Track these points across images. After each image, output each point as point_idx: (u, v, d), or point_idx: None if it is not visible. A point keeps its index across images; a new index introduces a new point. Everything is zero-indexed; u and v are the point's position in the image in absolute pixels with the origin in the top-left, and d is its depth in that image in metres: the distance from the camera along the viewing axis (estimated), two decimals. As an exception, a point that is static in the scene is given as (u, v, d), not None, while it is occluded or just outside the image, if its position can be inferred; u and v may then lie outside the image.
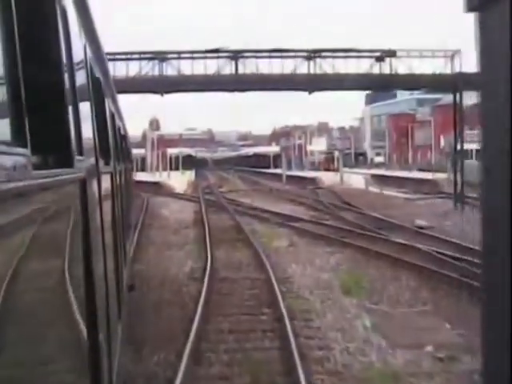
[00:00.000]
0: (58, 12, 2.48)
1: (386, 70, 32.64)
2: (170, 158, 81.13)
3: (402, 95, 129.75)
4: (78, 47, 3.26)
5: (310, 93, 32.75)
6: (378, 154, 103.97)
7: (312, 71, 32.13)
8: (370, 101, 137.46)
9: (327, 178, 65.98)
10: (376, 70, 32.77)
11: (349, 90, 35.60)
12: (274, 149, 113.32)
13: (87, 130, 3.25)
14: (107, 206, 4.83)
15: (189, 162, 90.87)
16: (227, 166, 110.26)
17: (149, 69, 32.25)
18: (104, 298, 3.60)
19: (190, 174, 76.13)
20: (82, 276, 2.76)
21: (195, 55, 31.83)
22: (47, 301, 2.05)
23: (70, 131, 2.49)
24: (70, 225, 2.55)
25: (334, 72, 31.92)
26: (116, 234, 5.92)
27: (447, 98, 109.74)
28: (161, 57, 31.35)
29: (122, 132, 12.66)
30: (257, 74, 31.40)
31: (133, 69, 31.78)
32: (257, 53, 31.69)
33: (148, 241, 24.99)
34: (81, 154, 2.77)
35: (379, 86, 34.04)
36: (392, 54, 32.31)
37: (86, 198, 2.90)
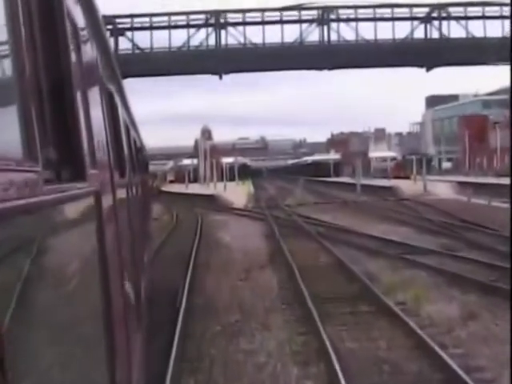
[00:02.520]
0: (68, 22, 2.39)
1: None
2: (225, 168, 70.52)
3: (465, 98, 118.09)
4: (90, 58, 3.22)
5: (428, 69, 21.89)
6: (449, 160, 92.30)
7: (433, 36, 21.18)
8: (430, 104, 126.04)
9: (405, 186, 54.85)
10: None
11: (488, 64, 24.14)
12: (333, 156, 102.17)
13: (100, 143, 3.13)
14: (123, 218, 4.43)
15: (243, 172, 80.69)
16: (284, 176, 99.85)
17: (201, 38, 21.67)
18: (122, 311, 3.41)
19: (247, 185, 65.56)
20: (99, 289, 2.60)
21: (268, 15, 21.05)
22: (64, 313, 1.93)
23: (82, 145, 2.44)
24: (84, 238, 2.46)
25: (466, 36, 20.91)
26: (133, 247, 5.46)
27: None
28: (218, 19, 20.57)
29: (138, 144, 11.64)
30: (357, 42, 20.50)
31: (179, 37, 21.14)
32: (356, 9, 20.89)
33: (204, 302, 14.24)
34: (94, 167, 2.71)
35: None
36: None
37: (101, 212, 2.75)
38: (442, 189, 52.20)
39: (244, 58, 22.02)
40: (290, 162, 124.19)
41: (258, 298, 14.33)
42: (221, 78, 22.64)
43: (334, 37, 21.86)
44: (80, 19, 2.80)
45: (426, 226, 27.35)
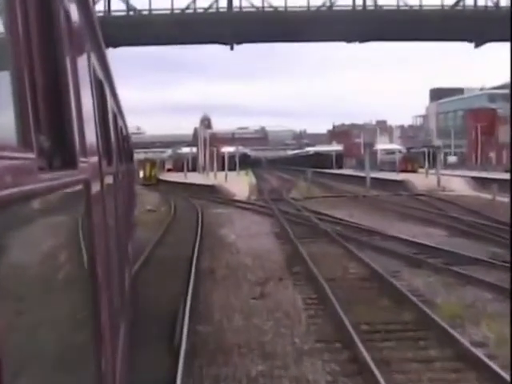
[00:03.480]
0: (62, 8, 2.38)
1: None
2: (225, 158, 66.60)
3: (470, 91, 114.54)
4: (81, 48, 3.16)
5: (476, 45, 18.19)
6: (455, 154, 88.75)
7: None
8: (434, 97, 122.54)
9: (416, 181, 51.22)
10: None
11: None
12: (335, 148, 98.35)
13: (90, 132, 3.09)
14: (110, 206, 4.41)
15: (243, 162, 76.97)
16: (284, 167, 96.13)
17: (210, 0, 17.74)
18: (107, 298, 3.34)
19: (249, 176, 61.93)
20: (87, 276, 2.64)
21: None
22: (53, 299, 1.96)
23: (74, 133, 2.41)
24: (74, 225, 2.49)
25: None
26: (119, 234, 5.42)
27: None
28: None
29: (124, 132, 11.46)
30: (398, 9, 16.73)
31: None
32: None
33: (211, 335, 10.52)
34: (84, 155, 2.67)
35: None
36: None
37: (90, 199, 2.77)
38: (457, 184, 48.62)
39: (261, 24, 18.15)
40: (290, 152, 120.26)
41: (283, 330, 10.59)
42: (232, 48, 18.86)
43: (369, 1, 18.06)
44: (73, 7, 2.75)
45: (458, 226, 23.65)
